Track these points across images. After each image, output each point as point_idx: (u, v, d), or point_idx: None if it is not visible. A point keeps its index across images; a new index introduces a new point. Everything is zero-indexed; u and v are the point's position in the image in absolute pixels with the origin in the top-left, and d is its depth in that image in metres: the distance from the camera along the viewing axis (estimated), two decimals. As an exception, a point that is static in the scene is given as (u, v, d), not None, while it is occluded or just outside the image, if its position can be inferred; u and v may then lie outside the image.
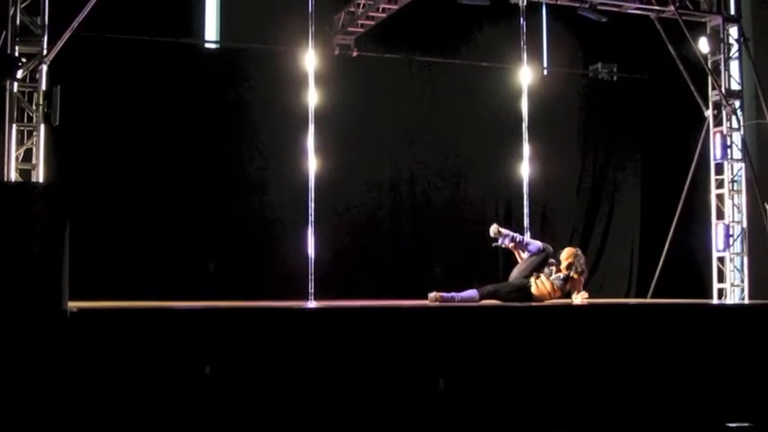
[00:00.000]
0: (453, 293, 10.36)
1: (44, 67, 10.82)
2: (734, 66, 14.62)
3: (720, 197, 14.45)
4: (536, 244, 10.84)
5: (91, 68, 12.73)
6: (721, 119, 14.45)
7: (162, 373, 7.52)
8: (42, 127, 10.77)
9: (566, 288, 10.65)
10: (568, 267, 10.64)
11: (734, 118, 14.39)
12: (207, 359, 7.65)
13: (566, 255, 10.73)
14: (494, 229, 10.78)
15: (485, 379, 8.60)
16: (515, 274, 10.82)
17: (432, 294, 10.29)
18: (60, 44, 10.86)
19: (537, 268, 10.67)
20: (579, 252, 10.86)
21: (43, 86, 10.78)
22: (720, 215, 14.42)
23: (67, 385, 7.15)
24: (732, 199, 14.38)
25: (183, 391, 7.59)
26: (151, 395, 7.48)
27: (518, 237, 10.88)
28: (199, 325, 7.91)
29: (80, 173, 12.22)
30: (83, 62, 12.33)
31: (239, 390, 7.77)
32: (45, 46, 10.82)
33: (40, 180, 10.67)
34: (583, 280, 10.82)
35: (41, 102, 10.70)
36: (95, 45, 12.50)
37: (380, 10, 13.88)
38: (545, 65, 16.12)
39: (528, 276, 10.60)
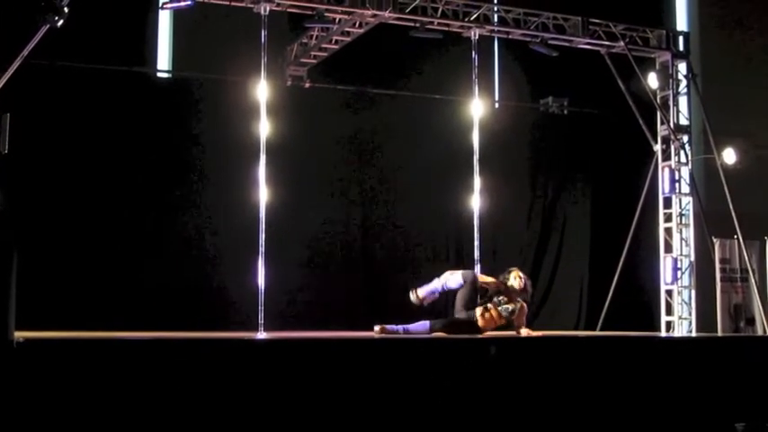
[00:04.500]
0: (401, 326, 10.37)
1: (-7, 95, 10.74)
2: (682, 101, 14.86)
3: (669, 230, 14.61)
4: (456, 279, 10.89)
5: (41, 97, 12.61)
6: (670, 153, 14.64)
7: (109, 405, 7.44)
8: (-10, 155, 10.67)
9: (511, 318, 10.71)
10: (519, 295, 10.75)
11: (682, 152, 14.58)
12: (154, 390, 7.58)
13: (517, 283, 10.80)
14: (413, 297, 10.76)
15: (432, 411, 8.61)
16: (456, 309, 10.88)
17: (376, 327, 10.30)
18: (10, 72, 10.76)
19: (469, 299, 10.74)
20: (528, 281, 10.98)
21: (-9, 114, 10.70)
22: (669, 248, 14.57)
23: (13, 416, 7.05)
24: (680, 232, 14.55)
25: (131, 424, 7.51)
26: (98, 427, 7.39)
27: (436, 289, 10.89)
28: (147, 356, 7.84)
29: (28, 201, 12.08)
30: (33, 90, 12.17)
31: (188, 422, 7.71)
32: (-6, 73, 10.74)
33: (-12, 209, 10.55)
34: (526, 308, 10.92)
35: (-11, 129, 10.60)
36: (46, 73, 12.38)
37: (333, 42, 13.89)
38: (496, 98, 16.25)
39: (471, 309, 10.66)
